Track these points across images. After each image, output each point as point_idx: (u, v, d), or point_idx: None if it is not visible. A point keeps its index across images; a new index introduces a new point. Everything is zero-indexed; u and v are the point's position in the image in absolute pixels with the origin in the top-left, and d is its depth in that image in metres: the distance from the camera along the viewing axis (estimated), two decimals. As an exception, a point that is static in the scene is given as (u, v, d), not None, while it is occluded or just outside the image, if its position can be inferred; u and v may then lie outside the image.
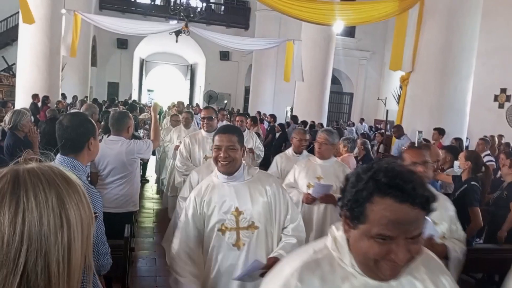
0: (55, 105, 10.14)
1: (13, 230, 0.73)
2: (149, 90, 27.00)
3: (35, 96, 9.93)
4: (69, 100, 12.92)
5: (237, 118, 6.29)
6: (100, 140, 3.39)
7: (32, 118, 6.07)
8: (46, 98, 10.27)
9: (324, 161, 3.66)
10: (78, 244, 0.80)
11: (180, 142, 5.12)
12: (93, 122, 2.26)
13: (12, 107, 7.34)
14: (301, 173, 3.70)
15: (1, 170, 0.79)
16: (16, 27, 10.84)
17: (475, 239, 3.81)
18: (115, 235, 3.18)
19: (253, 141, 6.18)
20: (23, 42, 10.67)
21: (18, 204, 0.74)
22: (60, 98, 11.47)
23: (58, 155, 2.14)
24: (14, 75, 11.36)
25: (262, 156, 6.31)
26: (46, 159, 0.89)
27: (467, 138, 9.89)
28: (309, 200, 3.45)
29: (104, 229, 2.16)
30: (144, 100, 25.44)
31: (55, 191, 0.78)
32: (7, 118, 4.17)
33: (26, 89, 10.37)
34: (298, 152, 4.38)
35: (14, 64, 11.63)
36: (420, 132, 5.88)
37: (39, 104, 10.04)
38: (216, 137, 2.34)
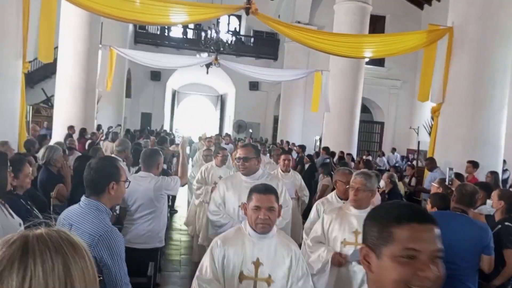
0: (89, 136, 10.48)
1: None
2: (175, 130, 25.95)
3: (70, 128, 10.28)
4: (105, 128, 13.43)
5: (282, 157, 5.88)
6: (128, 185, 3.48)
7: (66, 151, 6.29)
8: (83, 131, 10.63)
9: (360, 211, 3.01)
10: None
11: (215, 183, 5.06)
12: (120, 167, 2.31)
13: (49, 141, 7.62)
14: (333, 225, 3.11)
15: (12, 236, 0.84)
16: (55, 61, 11.41)
17: (511, 282, 3.59)
18: (140, 271, 3.21)
19: (298, 182, 5.83)
20: (61, 75, 11.17)
21: (26, 272, 0.77)
22: (95, 129, 11.86)
23: (83, 197, 2.20)
24: (52, 107, 11.87)
25: (307, 201, 5.91)
26: (52, 222, 0.93)
27: (506, 169, 9.51)
28: (342, 263, 2.98)
29: (127, 269, 2.18)
30: (176, 128, 25.91)
31: (62, 258, 0.81)
32: (40, 153, 4.34)
33: (63, 120, 10.79)
34: (344, 197, 3.60)
35: (52, 96, 12.18)
36: (451, 168, 5.72)
37: (75, 136, 10.38)
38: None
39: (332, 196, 3.85)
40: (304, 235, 3.57)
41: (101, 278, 0.97)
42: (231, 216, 3.55)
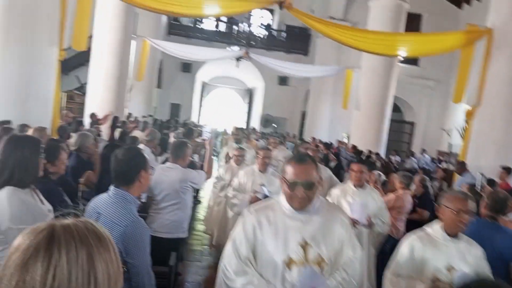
0: (119, 124, 10.66)
1: (43, 286, 0.78)
2: (202, 125, 25.33)
3: (92, 115, 10.31)
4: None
5: (355, 168, 4.20)
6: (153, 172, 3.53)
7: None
8: (116, 119, 10.83)
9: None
10: None
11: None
12: (145, 156, 2.35)
13: (83, 129, 7.78)
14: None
15: (40, 225, 0.86)
16: (89, 50, 11.66)
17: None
18: (162, 260, 3.27)
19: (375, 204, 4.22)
20: (95, 64, 11.42)
21: (50, 261, 0.79)
22: (124, 118, 12.07)
23: (112, 186, 2.25)
24: (85, 94, 12.16)
25: (385, 231, 4.29)
26: (81, 211, 0.96)
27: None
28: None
29: (151, 261, 2.21)
30: (202, 120, 26.09)
31: (86, 249, 0.83)
32: (73, 140, 4.46)
33: (95, 108, 11.05)
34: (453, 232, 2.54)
35: (86, 83, 12.48)
36: (481, 174, 5.53)
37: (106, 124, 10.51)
38: (290, 168, 2.06)
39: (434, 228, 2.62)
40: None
41: (125, 269, 0.99)
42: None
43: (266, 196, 4.19)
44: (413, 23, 17.58)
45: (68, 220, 0.88)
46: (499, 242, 3.11)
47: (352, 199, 4.14)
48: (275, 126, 22.27)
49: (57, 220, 0.88)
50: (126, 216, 2.11)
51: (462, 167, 7.75)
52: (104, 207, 2.17)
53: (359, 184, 4.22)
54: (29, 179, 2.25)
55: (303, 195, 2.02)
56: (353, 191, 4.23)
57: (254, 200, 4.21)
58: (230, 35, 15.38)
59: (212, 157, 4.40)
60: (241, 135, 9.20)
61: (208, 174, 4.12)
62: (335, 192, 4.34)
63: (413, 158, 15.80)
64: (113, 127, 9.60)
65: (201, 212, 8.83)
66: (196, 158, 7.18)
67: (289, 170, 2.06)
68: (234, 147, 7.14)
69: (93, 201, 2.30)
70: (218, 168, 6.88)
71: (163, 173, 3.76)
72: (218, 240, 5.60)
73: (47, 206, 2.34)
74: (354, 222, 3.77)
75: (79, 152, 4.39)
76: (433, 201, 5.45)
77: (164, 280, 3.13)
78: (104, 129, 9.63)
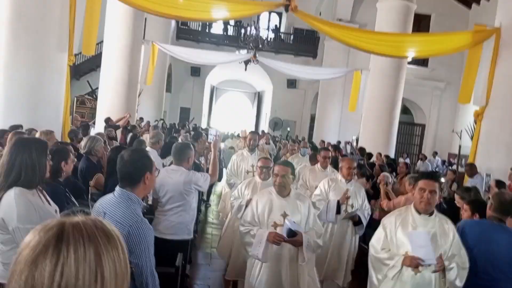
0: (129, 129, 10.76)
1: (51, 282, 0.80)
2: (209, 127, 24.95)
3: (108, 119, 10.45)
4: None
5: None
6: (158, 174, 3.58)
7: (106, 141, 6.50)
8: (127, 123, 10.92)
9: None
10: None
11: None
12: (151, 158, 2.39)
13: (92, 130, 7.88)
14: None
15: (51, 222, 0.89)
16: (100, 55, 11.79)
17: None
18: (169, 262, 3.30)
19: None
20: (105, 69, 11.55)
21: (58, 258, 0.82)
22: (135, 123, 12.17)
23: (117, 187, 2.29)
24: (96, 99, 12.31)
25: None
26: (89, 210, 0.98)
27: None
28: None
29: (155, 261, 2.25)
30: (213, 124, 26.20)
31: (94, 247, 0.85)
32: (83, 143, 4.54)
33: (106, 112, 11.17)
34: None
35: (97, 88, 12.64)
36: (488, 175, 5.46)
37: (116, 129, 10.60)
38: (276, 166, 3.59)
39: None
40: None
41: (132, 268, 1.01)
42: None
43: (291, 232, 3.16)
44: (421, 24, 17.51)
45: (78, 218, 0.89)
46: (506, 244, 3.08)
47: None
48: (289, 129, 22.20)
49: (67, 218, 0.89)
50: (131, 216, 2.15)
51: (471, 169, 7.67)
52: (109, 207, 2.21)
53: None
54: (36, 180, 2.31)
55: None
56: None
57: (275, 239, 3.18)
58: (238, 38, 15.46)
59: (217, 161, 4.38)
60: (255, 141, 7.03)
61: (213, 177, 4.12)
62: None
63: (426, 162, 15.66)
64: (124, 131, 9.70)
65: (211, 215, 8.89)
66: (203, 161, 7.21)
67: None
68: (252, 155, 5.95)
69: (99, 201, 2.34)
70: (232, 183, 5.84)
71: (168, 175, 3.80)
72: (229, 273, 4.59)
73: (54, 206, 2.40)
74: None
75: (89, 155, 4.46)
76: (442, 203, 5.40)
77: (171, 281, 3.16)
78: (118, 133, 9.72)
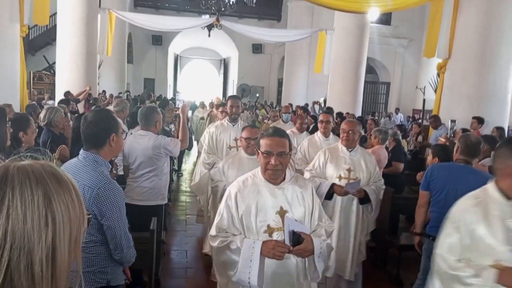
0: (92, 101, 10.41)
1: None
2: (176, 92, 24.94)
3: (67, 93, 10.06)
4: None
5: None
6: (125, 136, 3.47)
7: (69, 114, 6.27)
8: (89, 96, 10.53)
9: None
10: (64, 244, 0.79)
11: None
12: (117, 119, 2.30)
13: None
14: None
15: None
16: (55, 27, 11.19)
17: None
18: (144, 227, 3.26)
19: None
20: (62, 42, 11.01)
21: (3, 201, 0.75)
22: (97, 95, 11.78)
23: (81, 150, 2.19)
24: (54, 74, 11.76)
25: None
26: (44, 157, 0.90)
27: (508, 127, 9.41)
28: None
29: (127, 223, 2.19)
30: (180, 95, 25.72)
31: (43, 189, 0.78)
32: (42, 115, 4.33)
33: (65, 87, 10.73)
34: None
35: (54, 63, 12.05)
36: (453, 121, 5.61)
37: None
38: (265, 140, 2.26)
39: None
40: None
41: (90, 216, 0.95)
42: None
43: (294, 237, 2.13)
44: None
45: (25, 162, 0.83)
46: (473, 183, 3.19)
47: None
48: (258, 95, 22.06)
49: (13, 161, 0.83)
50: (99, 178, 2.07)
51: (435, 121, 7.90)
52: (75, 171, 2.12)
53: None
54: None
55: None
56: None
57: (276, 253, 2.14)
58: (200, 3, 14.97)
59: (186, 126, 4.26)
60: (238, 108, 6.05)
61: (183, 143, 4.00)
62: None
63: (388, 119, 16.06)
64: (87, 105, 9.37)
65: (183, 184, 8.85)
66: (173, 128, 7.10)
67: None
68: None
69: (62, 166, 2.24)
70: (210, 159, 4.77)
71: (135, 141, 3.70)
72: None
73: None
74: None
75: (50, 126, 4.27)
76: (405, 153, 5.60)
77: (146, 245, 3.13)
78: (80, 106, 9.39)
